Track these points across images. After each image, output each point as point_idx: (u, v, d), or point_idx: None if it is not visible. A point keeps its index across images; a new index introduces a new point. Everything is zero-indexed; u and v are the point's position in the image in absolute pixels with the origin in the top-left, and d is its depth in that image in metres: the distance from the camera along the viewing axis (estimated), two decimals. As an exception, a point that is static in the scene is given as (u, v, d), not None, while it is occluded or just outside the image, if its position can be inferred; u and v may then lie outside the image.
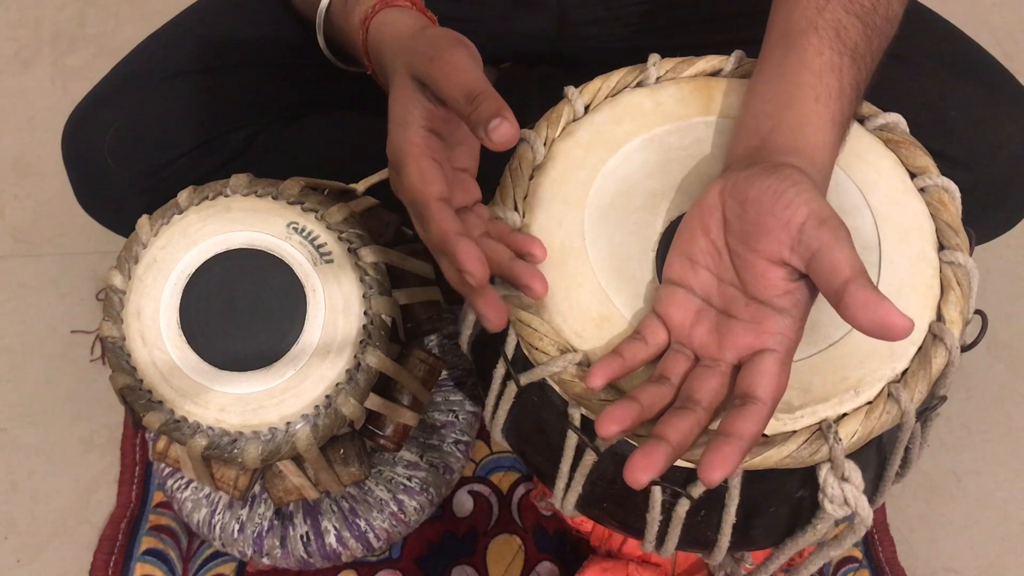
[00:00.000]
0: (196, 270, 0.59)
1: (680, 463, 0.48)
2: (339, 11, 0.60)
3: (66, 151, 0.73)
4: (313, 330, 0.57)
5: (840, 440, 0.45)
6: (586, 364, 0.48)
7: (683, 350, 0.46)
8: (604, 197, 0.54)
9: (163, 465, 0.70)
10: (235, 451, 0.56)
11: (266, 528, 0.68)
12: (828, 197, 0.53)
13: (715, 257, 0.46)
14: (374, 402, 0.58)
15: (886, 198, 0.53)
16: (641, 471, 0.39)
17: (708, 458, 0.39)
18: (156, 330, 0.57)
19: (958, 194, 0.53)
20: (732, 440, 0.40)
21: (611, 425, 0.41)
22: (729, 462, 0.39)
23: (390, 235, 0.65)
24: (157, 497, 0.82)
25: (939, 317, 0.49)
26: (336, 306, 0.57)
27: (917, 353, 0.48)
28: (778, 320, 0.43)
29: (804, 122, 0.48)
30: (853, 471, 0.45)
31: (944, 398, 0.50)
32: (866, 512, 0.46)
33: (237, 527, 0.68)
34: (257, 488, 0.68)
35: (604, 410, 0.41)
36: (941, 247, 0.51)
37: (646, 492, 0.49)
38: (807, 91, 0.49)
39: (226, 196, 0.61)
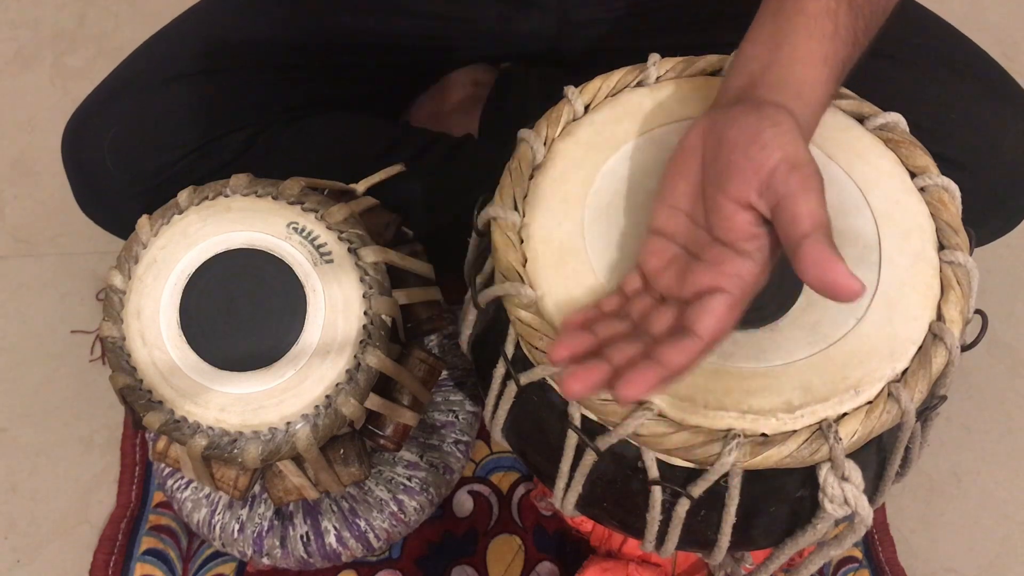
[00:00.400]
0: (196, 270, 0.59)
1: (680, 463, 0.48)
2: None
3: (66, 154, 0.73)
4: (313, 330, 0.57)
5: (840, 440, 0.45)
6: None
7: (650, 292, 0.46)
8: (604, 196, 0.54)
9: (163, 465, 0.70)
10: (235, 451, 0.56)
11: (266, 528, 0.68)
12: (827, 196, 0.53)
13: (692, 201, 0.45)
14: (374, 402, 0.58)
15: (886, 198, 0.53)
16: (577, 383, 0.39)
17: (628, 375, 0.39)
18: (156, 330, 0.57)
19: (958, 194, 0.53)
20: (655, 365, 0.39)
21: (564, 351, 0.41)
22: (645, 384, 0.38)
23: (390, 235, 0.65)
24: (157, 497, 0.82)
25: (939, 317, 0.49)
26: (336, 306, 0.57)
27: (917, 353, 0.48)
28: (739, 263, 0.42)
29: (795, 58, 0.47)
30: (853, 471, 0.45)
31: (944, 398, 0.50)
32: (866, 512, 0.46)
33: (237, 527, 0.68)
34: (257, 488, 0.68)
35: (558, 339, 0.41)
36: (941, 247, 0.51)
37: (646, 492, 0.49)
38: (800, 30, 0.47)
39: (226, 196, 0.61)
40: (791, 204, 0.40)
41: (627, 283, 0.47)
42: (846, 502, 0.45)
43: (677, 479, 0.48)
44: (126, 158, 0.70)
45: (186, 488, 0.70)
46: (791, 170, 0.41)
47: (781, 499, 0.49)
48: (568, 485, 0.53)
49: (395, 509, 0.69)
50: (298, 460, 0.60)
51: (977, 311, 0.51)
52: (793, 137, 0.42)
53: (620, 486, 0.51)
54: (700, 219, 0.45)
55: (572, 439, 0.50)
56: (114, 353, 0.58)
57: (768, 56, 0.48)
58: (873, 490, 0.52)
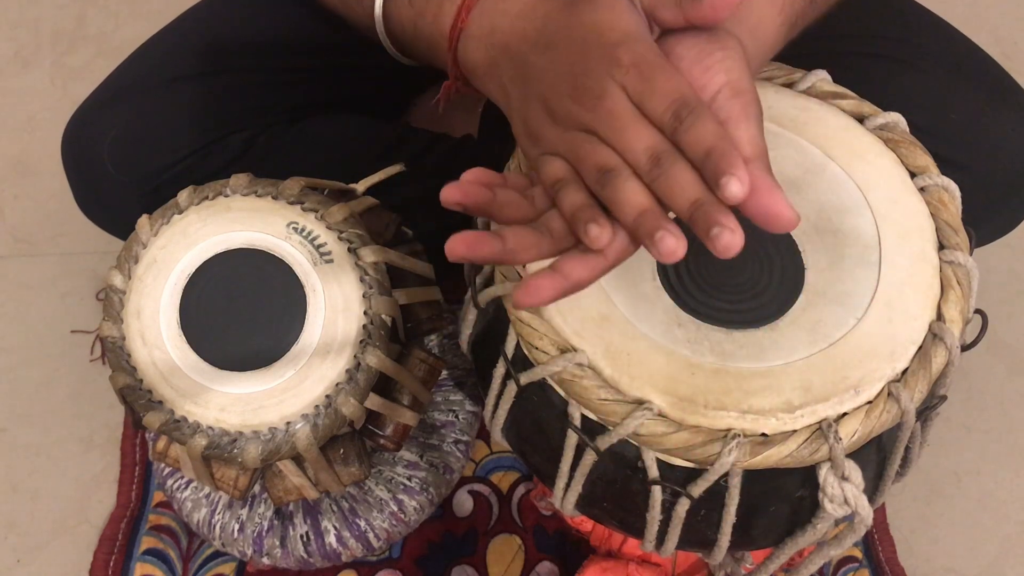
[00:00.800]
0: (196, 270, 0.59)
1: (680, 462, 0.48)
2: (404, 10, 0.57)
3: (66, 155, 0.73)
4: (313, 330, 0.57)
5: (840, 439, 0.45)
6: (586, 364, 0.48)
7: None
8: (604, 197, 0.53)
9: (163, 465, 0.70)
10: (235, 451, 0.56)
11: (266, 528, 0.68)
12: (827, 195, 0.53)
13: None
14: (374, 402, 0.58)
15: (886, 197, 0.53)
16: (461, 244, 0.40)
17: (529, 282, 0.39)
18: (156, 330, 0.57)
19: (958, 193, 0.53)
20: (557, 276, 0.39)
21: (453, 191, 0.42)
22: (543, 292, 0.39)
23: (390, 235, 0.65)
24: (157, 497, 0.82)
25: (939, 316, 0.49)
26: (336, 306, 0.57)
27: (917, 352, 0.48)
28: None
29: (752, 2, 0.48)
30: (853, 470, 0.45)
31: (944, 398, 0.50)
32: (866, 512, 0.46)
33: (237, 527, 0.68)
34: (257, 488, 0.68)
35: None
36: (941, 246, 0.51)
37: (646, 492, 0.49)
38: None
39: (226, 196, 0.61)
40: (731, 129, 0.39)
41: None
42: (846, 502, 0.45)
43: (677, 479, 0.48)
44: (126, 159, 0.70)
45: (186, 488, 0.70)
46: (733, 96, 0.40)
47: (781, 499, 0.49)
48: (568, 485, 0.53)
49: (395, 509, 0.69)
50: (298, 460, 0.60)
51: (977, 311, 0.51)
52: (740, 64, 0.41)
53: (620, 486, 0.51)
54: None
55: (572, 439, 0.50)
56: (114, 353, 0.58)
57: None
58: (873, 490, 0.52)
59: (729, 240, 0.36)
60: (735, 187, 0.36)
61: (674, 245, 0.37)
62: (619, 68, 0.41)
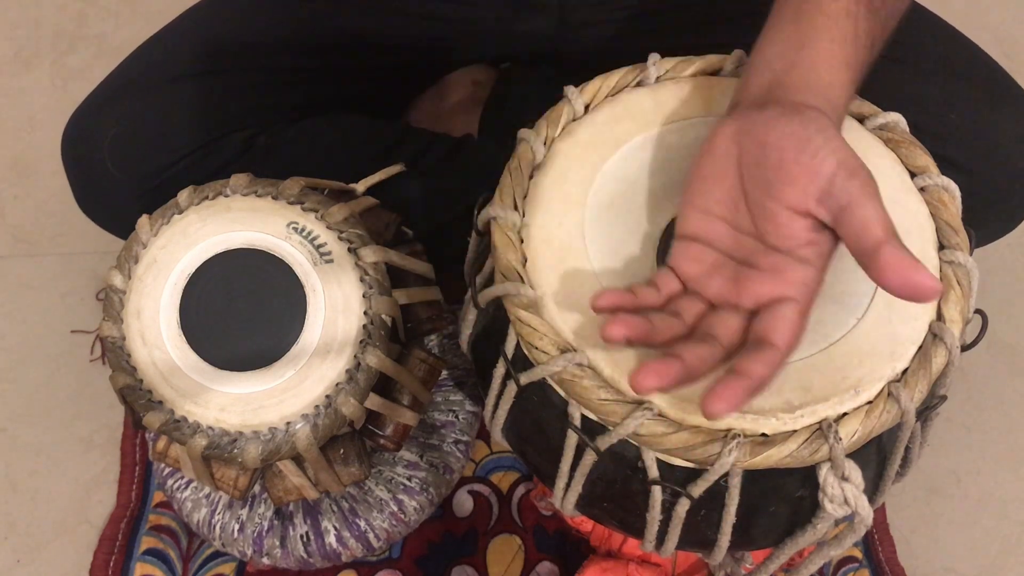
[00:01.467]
0: (196, 270, 0.59)
1: (680, 463, 0.48)
2: None
3: (66, 155, 0.73)
4: (313, 330, 0.57)
5: (840, 439, 0.45)
6: (586, 364, 0.48)
7: (698, 296, 0.45)
8: (604, 196, 0.54)
9: (163, 465, 0.70)
10: (235, 451, 0.56)
11: (266, 528, 0.68)
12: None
13: (731, 207, 0.45)
14: (374, 402, 0.58)
15: (886, 197, 0.53)
16: (653, 377, 0.39)
17: (715, 390, 0.39)
18: (156, 330, 0.57)
19: (958, 193, 0.53)
20: (742, 378, 0.39)
21: (617, 330, 0.40)
22: (734, 398, 0.39)
23: (390, 235, 0.65)
24: (157, 497, 0.82)
25: (939, 316, 0.49)
26: (336, 306, 0.57)
27: (917, 352, 0.48)
28: (800, 270, 0.42)
29: (818, 61, 0.47)
30: (853, 470, 0.45)
31: (944, 398, 0.50)
32: (866, 512, 0.46)
33: (237, 527, 0.68)
34: (257, 488, 0.68)
35: (609, 323, 0.41)
36: (941, 246, 0.51)
37: (646, 492, 0.49)
38: (822, 32, 0.47)
39: (226, 196, 0.61)
40: (858, 210, 0.40)
41: (662, 282, 0.46)
42: (846, 502, 0.45)
43: (677, 479, 0.48)
44: (126, 158, 0.70)
45: (186, 488, 0.70)
46: (850, 176, 0.41)
47: (781, 499, 0.49)
48: (568, 485, 0.53)
49: (395, 509, 0.69)
50: (298, 460, 0.60)
51: (977, 311, 0.51)
52: (842, 143, 0.42)
53: (620, 486, 0.51)
54: (744, 226, 0.45)
55: (572, 439, 0.50)
56: (114, 353, 0.58)
57: (792, 56, 0.47)
58: (873, 490, 0.52)
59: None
60: None
61: None
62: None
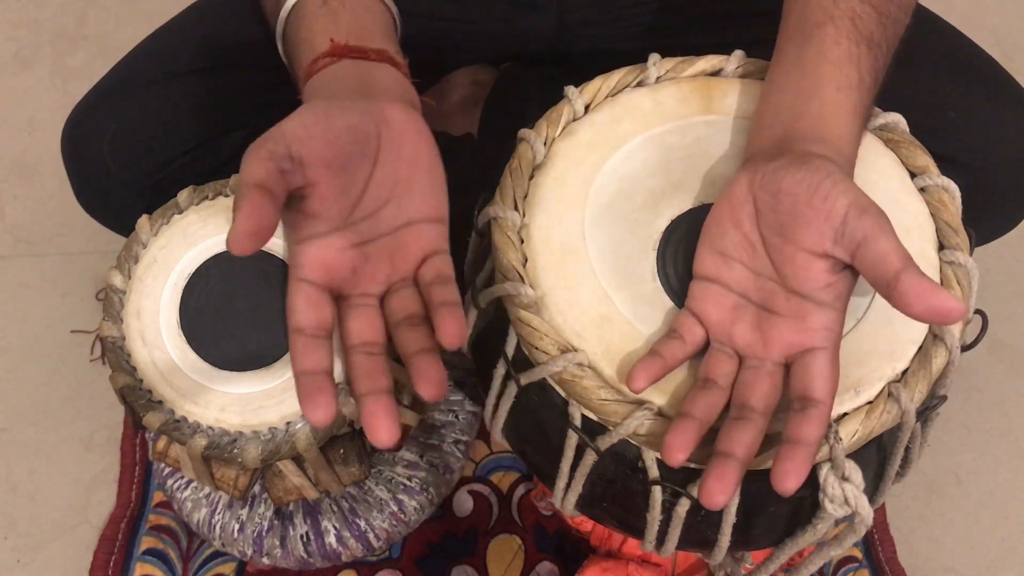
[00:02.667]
0: (196, 270, 0.59)
1: (680, 463, 0.48)
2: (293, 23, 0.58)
3: (65, 151, 0.73)
4: (313, 330, 0.57)
5: (840, 440, 0.45)
6: (587, 364, 0.48)
7: (724, 349, 0.46)
8: (604, 196, 0.54)
9: (163, 465, 0.70)
10: (235, 451, 0.56)
11: (266, 528, 0.68)
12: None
13: (749, 251, 0.46)
14: (374, 402, 0.58)
15: (886, 198, 0.53)
16: (719, 494, 0.40)
17: (782, 467, 0.40)
18: (156, 330, 0.57)
19: (958, 193, 0.53)
20: (800, 447, 0.41)
21: (678, 454, 0.42)
22: (803, 467, 0.40)
23: (390, 235, 0.65)
24: (157, 497, 0.82)
25: (939, 317, 0.49)
26: (336, 306, 0.57)
27: (917, 353, 0.48)
28: (822, 315, 0.43)
29: (826, 112, 0.48)
30: (853, 471, 0.45)
31: (944, 398, 0.50)
32: (866, 512, 0.46)
33: (237, 527, 0.68)
34: (257, 488, 0.68)
35: (666, 440, 0.42)
36: (941, 247, 0.51)
37: (646, 492, 0.49)
38: (828, 81, 0.49)
39: (226, 196, 0.61)
40: (874, 244, 0.41)
41: (685, 330, 0.47)
42: (846, 502, 0.45)
43: (677, 479, 0.48)
44: (126, 155, 0.70)
45: (186, 488, 0.70)
46: (862, 214, 0.42)
47: (781, 499, 0.49)
48: (568, 485, 0.53)
49: (395, 509, 0.69)
50: (298, 460, 0.60)
51: (977, 311, 0.51)
52: (851, 184, 0.44)
53: (620, 486, 0.51)
54: (763, 270, 0.46)
55: (572, 439, 0.50)
56: (114, 353, 0.58)
57: (800, 108, 0.49)
58: (873, 490, 0.52)
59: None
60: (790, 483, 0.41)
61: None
62: None
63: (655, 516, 0.50)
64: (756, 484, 0.47)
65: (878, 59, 0.50)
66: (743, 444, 0.42)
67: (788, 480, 0.40)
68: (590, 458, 0.50)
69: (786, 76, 0.51)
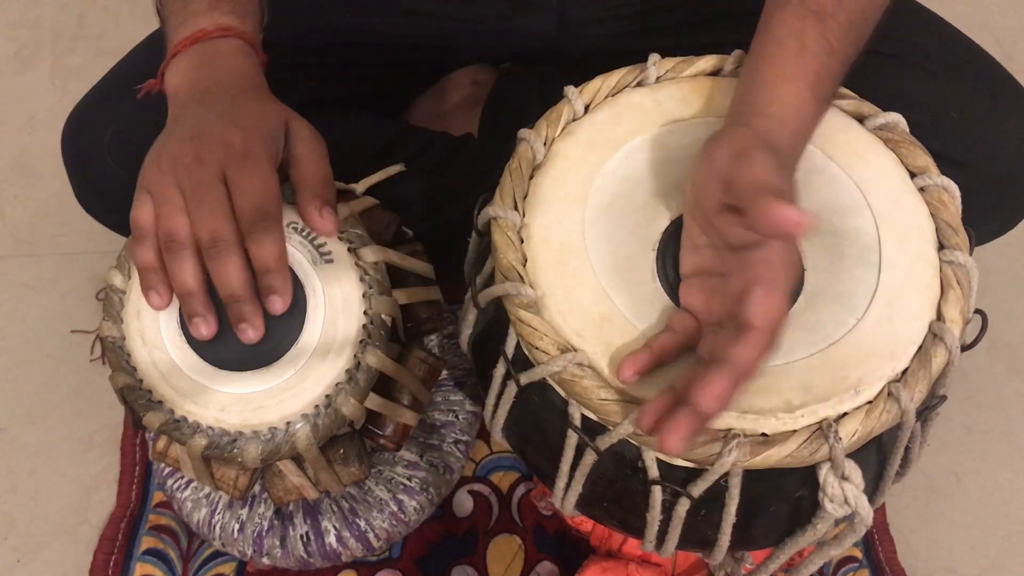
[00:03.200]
0: (196, 270, 0.58)
1: (681, 462, 0.48)
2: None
3: (66, 150, 0.73)
4: (313, 330, 0.57)
5: (840, 439, 0.45)
6: (587, 364, 0.48)
7: (710, 328, 0.47)
8: (604, 196, 0.54)
9: (163, 465, 0.70)
10: (235, 451, 0.56)
11: (266, 528, 0.68)
12: (827, 196, 0.53)
13: (709, 232, 0.48)
14: (374, 402, 0.58)
15: (886, 197, 0.53)
16: (675, 438, 0.41)
17: (701, 383, 0.41)
18: (156, 330, 0.57)
19: (958, 193, 0.53)
20: (726, 365, 0.41)
21: (627, 371, 0.44)
22: (721, 385, 0.40)
23: (390, 235, 0.65)
24: (157, 497, 0.82)
25: (939, 316, 0.49)
26: (336, 306, 0.57)
27: (917, 352, 0.48)
28: (761, 251, 0.44)
29: (765, 83, 0.51)
30: (853, 470, 0.45)
31: (944, 397, 0.50)
32: (866, 511, 0.46)
33: (237, 527, 0.68)
34: (257, 488, 0.68)
35: (620, 362, 0.44)
36: (941, 246, 0.51)
37: (646, 492, 0.49)
38: (767, 56, 0.52)
39: (226, 196, 0.61)
40: (738, 178, 0.44)
41: (675, 322, 0.48)
42: (846, 502, 0.45)
43: (677, 479, 0.48)
44: (126, 154, 0.70)
45: (186, 488, 0.70)
46: (736, 158, 0.45)
47: (781, 499, 0.49)
48: (568, 485, 0.53)
49: (395, 509, 0.69)
50: (298, 460, 0.60)
51: (977, 311, 0.51)
52: (736, 137, 0.47)
53: (620, 486, 0.51)
54: (720, 243, 0.48)
55: (572, 439, 0.50)
56: (114, 353, 0.58)
57: (748, 83, 0.52)
58: (873, 490, 0.52)
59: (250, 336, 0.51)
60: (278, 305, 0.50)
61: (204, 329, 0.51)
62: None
63: (655, 516, 0.50)
64: (756, 484, 0.47)
65: (827, 31, 0.52)
66: (707, 391, 0.42)
67: (703, 397, 0.40)
68: (590, 458, 0.50)
69: (748, 55, 0.54)
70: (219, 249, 0.49)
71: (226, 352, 0.57)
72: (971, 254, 0.51)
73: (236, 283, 0.49)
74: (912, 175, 0.54)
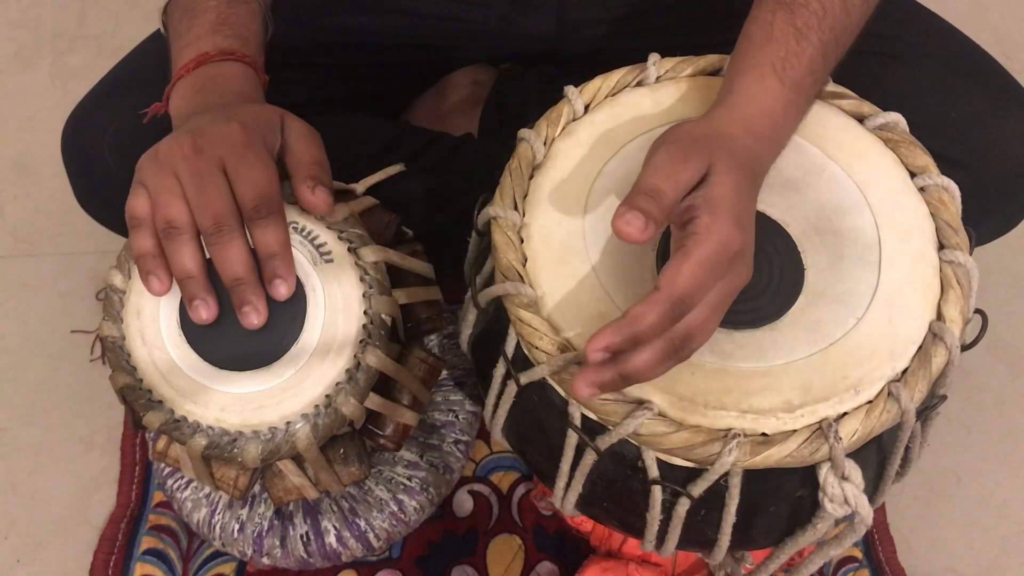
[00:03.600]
0: (196, 270, 0.58)
1: (680, 462, 0.48)
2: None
3: (66, 151, 0.73)
4: (313, 330, 0.57)
5: (840, 439, 0.45)
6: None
7: None
8: (604, 196, 0.54)
9: (163, 465, 0.70)
10: (235, 451, 0.56)
11: (266, 528, 0.68)
12: (827, 195, 0.53)
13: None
14: (374, 402, 0.58)
15: (886, 197, 0.53)
16: (585, 385, 0.42)
17: (596, 334, 0.42)
18: (156, 329, 0.57)
19: (958, 193, 0.53)
20: (620, 320, 0.42)
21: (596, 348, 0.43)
22: (605, 338, 0.41)
23: (390, 235, 0.65)
24: (157, 497, 0.82)
25: (939, 316, 0.49)
26: (336, 306, 0.57)
27: (917, 352, 0.48)
28: (688, 226, 0.45)
29: (730, 78, 0.52)
30: (853, 470, 0.45)
31: (944, 397, 0.50)
32: (866, 511, 0.46)
33: (237, 527, 0.68)
34: (257, 488, 0.68)
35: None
36: (941, 246, 0.51)
37: (646, 492, 0.49)
38: (739, 56, 0.53)
39: (226, 196, 0.61)
40: (642, 180, 0.46)
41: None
42: (846, 502, 0.45)
43: (677, 479, 0.48)
44: (126, 154, 0.70)
45: (186, 488, 0.70)
46: (652, 150, 0.47)
47: (781, 499, 0.49)
48: (568, 485, 0.53)
49: (395, 509, 0.69)
50: (298, 460, 0.60)
51: (977, 311, 0.51)
52: (674, 133, 0.48)
53: (620, 486, 0.51)
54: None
55: (572, 439, 0.50)
56: (114, 353, 0.58)
57: (723, 81, 0.54)
58: (873, 490, 0.52)
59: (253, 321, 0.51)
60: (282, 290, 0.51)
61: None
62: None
63: (655, 516, 0.50)
64: (756, 483, 0.47)
65: (797, 19, 0.53)
66: (594, 339, 0.42)
67: (589, 344, 0.41)
68: (590, 458, 0.50)
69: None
70: (223, 233, 0.49)
71: (226, 352, 0.57)
72: (971, 254, 0.51)
73: (240, 266, 0.49)
74: (912, 175, 0.54)
